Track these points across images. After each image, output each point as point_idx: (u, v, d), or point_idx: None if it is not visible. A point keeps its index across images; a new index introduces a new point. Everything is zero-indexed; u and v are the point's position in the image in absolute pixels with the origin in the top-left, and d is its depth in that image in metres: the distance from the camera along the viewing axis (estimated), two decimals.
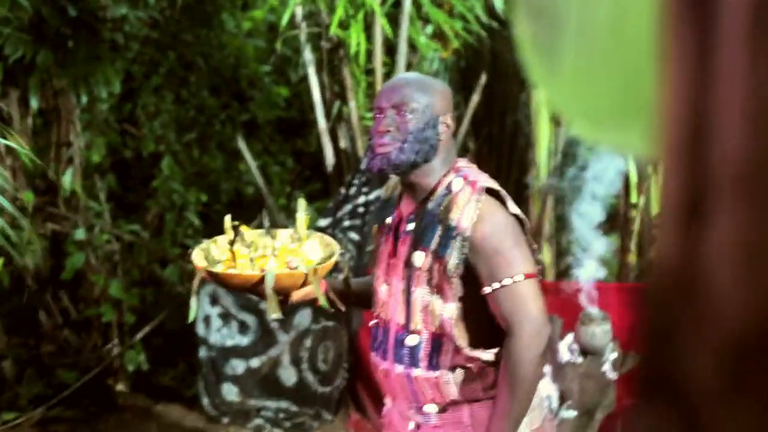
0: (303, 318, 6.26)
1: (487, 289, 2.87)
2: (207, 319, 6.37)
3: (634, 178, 5.84)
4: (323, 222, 6.23)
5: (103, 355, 7.05)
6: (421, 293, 2.95)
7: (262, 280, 2.93)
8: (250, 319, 6.30)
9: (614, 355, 5.12)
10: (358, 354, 6.17)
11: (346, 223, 6.24)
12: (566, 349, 5.22)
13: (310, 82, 6.77)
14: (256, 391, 6.41)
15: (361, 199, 6.15)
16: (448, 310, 2.93)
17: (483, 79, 6.89)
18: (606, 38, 0.90)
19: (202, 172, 8.21)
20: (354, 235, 6.24)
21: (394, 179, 3.37)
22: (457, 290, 2.92)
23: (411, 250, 2.99)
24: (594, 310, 5.11)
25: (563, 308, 5.21)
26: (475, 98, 6.82)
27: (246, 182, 8.32)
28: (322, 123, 6.76)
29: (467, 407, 3.01)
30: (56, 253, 7.15)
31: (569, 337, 5.22)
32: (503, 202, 2.94)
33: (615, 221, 6.07)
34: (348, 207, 6.23)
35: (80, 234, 6.85)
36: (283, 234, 3.21)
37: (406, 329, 2.99)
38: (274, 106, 8.93)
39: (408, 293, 2.98)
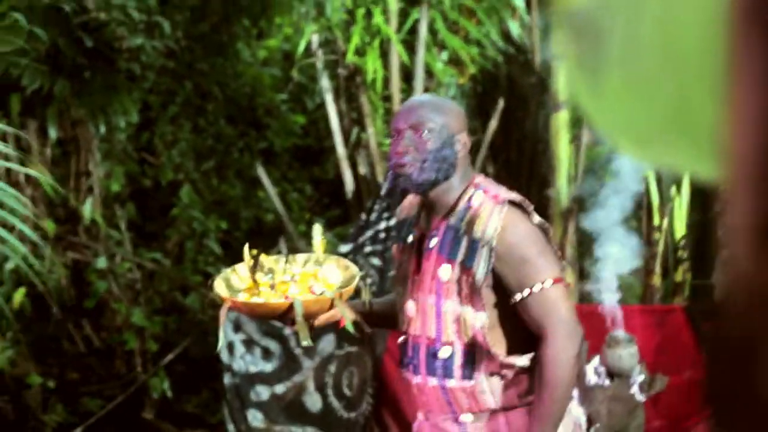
0: (327, 344, 6.24)
1: (517, 297, 2.97)
2: (230, 346, 6.34)
3: (656, 201, 5.81)
4: (344, 248, 6.23)
5: (127, 382, 7.05)
6: (451, 305, 3.04)
7: (288, 307, 2.97)
8: (273, 346, 6.28)
9: (641, 377, 5.10)
10: (383, 379, 6.16)
11: (368, 248, 6.24)
12: (593, 372, 5.19)
13: (328, 109, 6.79)
14: (281, 417, 6.39)
15: (382, 225, 6.15)
16: (480, 319, 3.02)
17: (500, 104, 6.88)
18: (653, 55, 0.89)
19: (222, 200, 8.24)
20: (376, 261, 6.23)
21: (406, 201, 3.38)
22: (487, 299, 3.02)
23: (437, 264, 3.07)
24: (620, 333, 5.09)
25: (589, 331, 5.15)
26: (493, 123, 6.82)
27: (265, 209, 8.34)
28: (340, 150, 6.77)
29: (503, 415, 3.10)
30: (78, 281, 7.18)
31: (596, 360, 5.21)
32: (526, 213, 3.03)
33: (638, 243, 6.05)
34: (369, 233, 6.23)
35: (101, 263, 6.87)
36: (300, 259, 3.26)
37: (439, 342, 3.08)
38: (291, 134, 8.97)
39: (438, 306, 3.06)
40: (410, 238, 3.20)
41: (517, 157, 7.34)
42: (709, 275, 6.54)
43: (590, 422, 5.24)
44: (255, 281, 3.10)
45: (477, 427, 3.10)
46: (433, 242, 3.08)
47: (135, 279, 7.22)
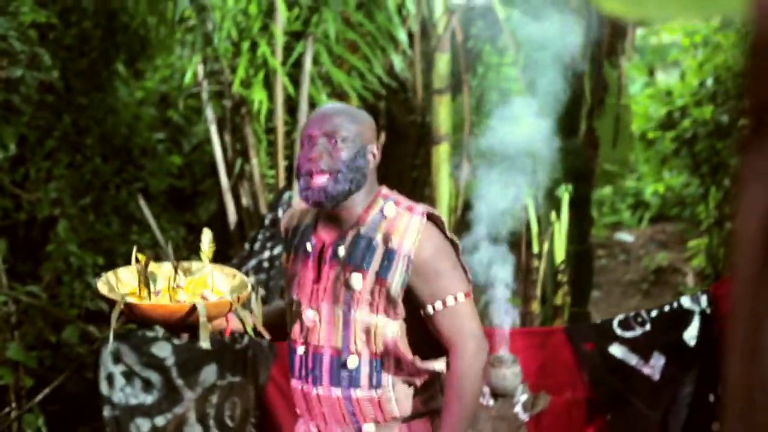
0: (208, 374, 6.19)
1: (429, 310, 3.05)
2: (110, 378, 6.23)
3: (535, 228, 5.97)
4: None
5: (0, 419, 6.87)
6: (361, 315, 3.05)
7: (186, 311, 2.91)
8: (154, 377, 6.20)
9: (525, 397, 5.21)
10: (266, 409, 6.14)
11: (251, 278, 6.24)
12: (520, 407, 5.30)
13: (212, 140, 6.80)
14: None
15: (266, 254, 6.16)
16: (392, 328, 3.06)
17: (381, 137, 7.00)
18: None
19: (98, 237, 8.15)
20: (260, 291, 6.24)
21: (290, 210, 3.40)
22: (400, 310, 3.04)
23: (345, 274, 3.06)
24: (504, 353, 5.20)
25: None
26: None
27: (143, 246, 8.27)
28: (224, 181, 6.78)
29: (405, 425, 3.14)
30: None
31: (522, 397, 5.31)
32: (440, 226, 3.09)
33: (517, 270, 6.18)
34: (252, 262, 6.25)
35: None
36: (185, 266, 3.19)
37: (345, 351, 3.07)
38: (167, 175, 8.94)
39: (346, 316, 3.06)
40: (309, 247, 3.17)
41: (397, 189, 7.43)
42: (585, 302, 6.74)
43: None
44: (143, 286, 3.00)
45: None
46: (341, 251, 3.08)
47: (10, 313, 7.07)
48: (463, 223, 6.54)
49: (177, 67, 9.30)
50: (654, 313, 5.29)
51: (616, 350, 5.30)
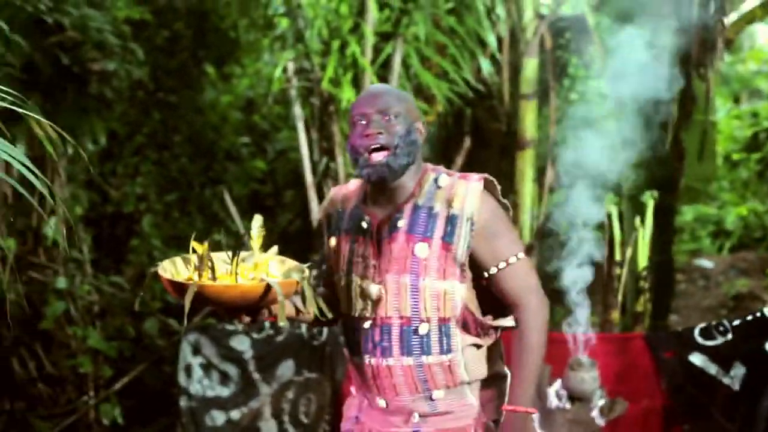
0: (286, 370, 6.23)
1: (493, 270, 3.13)
2: (188, 369, 6.30)
3: (618, 236, 5.94)
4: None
5: (78, 407, 6.96)
6: (430, 282, 3.11)
7: (261, 291, 2.85)
8: (232, 370, 6.25)
9: (602, 402, 5.18)
10: (341, 406, 6.15)
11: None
12: (554, 395, 5.27)
13: (299, 137, 6.85)
14: None
15: None
16: (460, 292, 3.14)
17: (467, 143, 7.02)
18: None
19: (181, 235, 8.25)
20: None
21: (333, 194, 3.42)
22: (467, 273, 3.14)
23: (409, 243, 3.12)
24: (583, 357, 5.19)
25: (552, 356, 5.27)
26: (459, 161, 6.94)
27: (225, 246, 8.34)
28: (309, 178, 6.82)
29: (470, 388, 3.21)
30: (31, 305, 7.10)
31: (557, 384, 5.28)
32: (495, 190, 3.18)
33: (598, 278, 6.15)
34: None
35: (62, 283, 6.81)
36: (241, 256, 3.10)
37: (416, 319, 3.12)
38: (250, 180, 9.03)
39: (415, 284, 3.11)
40: (364, 225, 3.19)
41: None
42: (666, 313, 6.68)
43: None
44: (207, 270, 2.95)
45: (447, 402, 3.19)
46: (401, 224, 3.13)
47: (93, 302, 7.17)
48: (545, 229, 6.54)
49: (264, 73, 9.40)
50: (736, 323, 5.24)
51: (696, 359, 5.25)
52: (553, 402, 5.27)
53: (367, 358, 3.18)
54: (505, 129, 7.25)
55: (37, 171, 3.38)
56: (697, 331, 5.28)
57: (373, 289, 3.14)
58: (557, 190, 6.69)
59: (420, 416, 3.20)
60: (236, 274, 2.97)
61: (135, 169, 8.05)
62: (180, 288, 2.86)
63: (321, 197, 6.97)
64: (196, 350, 6.28)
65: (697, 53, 6.70)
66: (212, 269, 2.92)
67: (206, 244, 2.95)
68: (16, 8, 6.21)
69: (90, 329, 6.99)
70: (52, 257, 7.09)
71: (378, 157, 3.06)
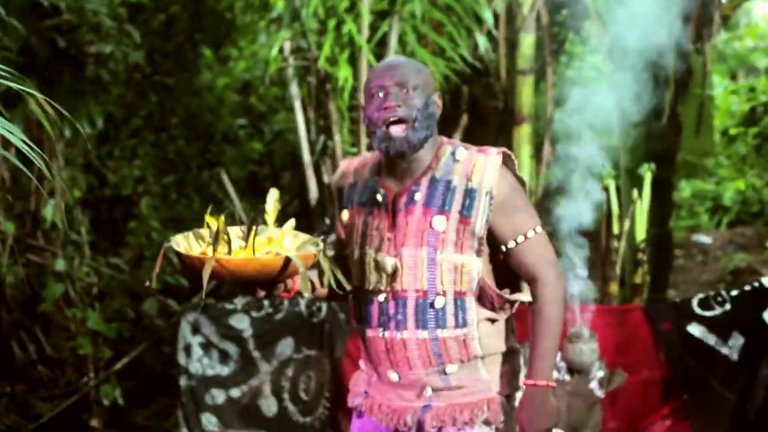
0: (285, 347, 6.23)
1: (511, 244, 3.14)
2: (188, 348, 6.30)
3: (615, 209, 5.95)
4: None
5: (78, 389, 6.97)
6: (447, 255, 3.10)
7: (279, 265, 2.84)
8: (231, 349, 6.25)
9: (601, 374, 5.18)
10: (341, 383, 6.16)
11: (330, 252, 6.27)
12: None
13: (296, 117, 6.85)
14: (236, 421, 6.33)
15: None
16: (477, 266, 3.13)
17: (464, 119, 7.02)
18: None
19: (179, 217, 8.26)
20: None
21: (344, 166, 3.40)
22: (484, 247, 3.13)
23: (427, 217, 3.11)
24: (582, 329, 5.19)
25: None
26: (456, 138, 6.92)
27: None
28: (306, 157, 6.82)
29: (482, 363, 3.20)
30: (30, 287, 7.11)
31: (556, 356, 5.29)
32: (512, 164, 3.17)
33: (597, 251, 6.16)
34: (332, 237, 6.28)
35: (60, 265, 6.82)
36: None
37: (432, 292, 3.12)
38: (248, 161, 9.04)
39: (432, 257, 3.10)
40: (379, 198, 3.18)
41: None
42: (665, 286, 6.69)
43: None
44: (224, 244, 2.90)
45: (460, 377, 3.19)
46: (418, 196, 3.12)
47: (92, 283, 7.18)
48: (543, 204, 6.54)
49: (261, 56, 9.39)
50: (735, 293, 5.24)
51: (695, 329, 5.26)
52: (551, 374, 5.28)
53: (380, 332, 3.18)
54: (502, 106, 7.24)
55: (36, 148, 3.40)
56: (695, 302, 5.28)
57: (389, 262, 3.13)
58: (554, 165, 6.69)
59: (433, 390, 3.20)
60: (253, 247, 2.93)
61: (132, 152, 8.06)
62: (194, 263, 2.83)
63: (319, 177, 6.97)
64: (196, 329, 6.28)
65: (695, 28, 6.70)
66: (228, 243, 2.89)
67: (222, 217, 2.92)
68: None
69: (89, 311, 7.00)
70: (50, 240, 7.10)
71: (397, 130, 3.04)
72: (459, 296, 3.12)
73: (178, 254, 2.87)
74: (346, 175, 3.36)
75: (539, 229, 3.17)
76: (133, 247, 7.82)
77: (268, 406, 6.32)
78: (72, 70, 6.76)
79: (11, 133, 3.35)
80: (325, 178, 6.92)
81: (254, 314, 6.17)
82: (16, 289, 6.85)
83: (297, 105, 6.85)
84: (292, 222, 3.08)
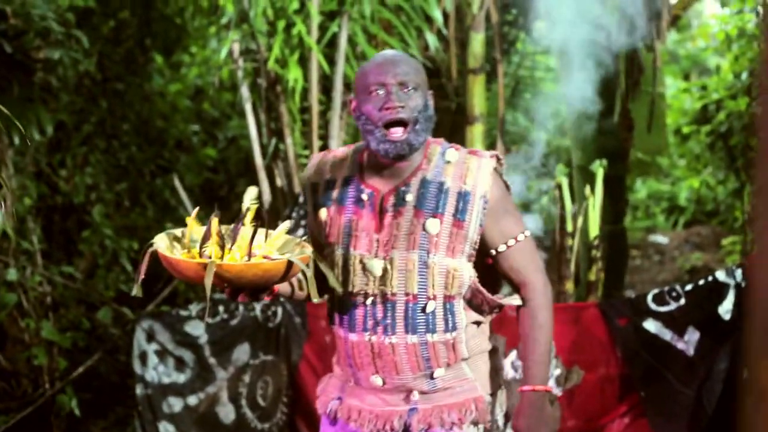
0: (241, 353, 6.19)
1: (501, 248, 3.13)
2: (143, 356, 6.24)
3: (568, 207, 5.94)
4: None
5: (34, 400, 6.89)
6: (439, 259, 3.05)
7: (283, 269, 2.75)
8: (187, 356, 6.20)
9: (558, 372, 5.19)
10: (298, 387, 6.13)
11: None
12: (510, 367, 5.27)
13: (247, 120, 6.81)
14: (193, 429, 6.28)
15: (300, 232, 6.15)
16: (468, 270, 3.10)
17: None
18: None
19: (133, 225, 8.20)
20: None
21: (316, 161, 3.31)
22: (474, 250, 3.09)
23: (419, 219, 3.05)
24: None
25: (506, 327, 5.28)
26: None
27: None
28: (258, 161, 6.78)
29: (466, 363, 3.17)
30: None
31: (513, 354, 5.29)
32: (500, 170, 3.17)
33: (551, 249, 6.16)
34: (299, 236, 6.25)
35: (12, 275, 6.74)
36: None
37: (423, 297, 3.06)
38: (202, 168, 8.99)
39: (423, 261, 3.05)
40: (364, 197, 3.11)
41: None
42: (621, 284, 6.69)
43: (507, 417, 5.29)
44: (217, 247, 2.77)
45: (446, 379, 3.15)
46: (409, 197, 3.06)
47: (45, 293, 7.11)
48: None
49: (213, 61, 9.35)
50: (689, 288, 5.25)
51: (651, 325, 5.26)
52: (509, 373, 5.27)
53: (367, 336, 3.11)
54: (455, 106, 7.24)
55: None
56: (650, 298, 5.28)
57: (378, 264, 3.07)
58: (507, 164, 6.69)
59: (420, 394, 3.16)
60: (250, 252, 2.81)
61: (84, 159, 7.98)
62: (188, 270, 2.71)
63: (271, 179, 6.93)
64: (150, 337, 6.23)
65: (645, 26, 6.72)
66: (222, 247, 2.78)
67: (215, 219, 2.80)
68: None
69: (44, 321, 6.93)
70: (1, 249, 7.02)
71: (398, 133, 2.97)
72: (448, 300, 3.08)
73: (166, 258, 2.74)
74: (321, 171, 3.26)
75: (527, 233, 3.16)
76: (87, 256, 7.75)
77: (226, 413, 6.28)
78: (20, 76, 6.67)
79: None
80: (278, 182, 6.88)
81: (210, 320, 6.12)
82: None
83: (248, 108, 6.80)
84: (286, 224, 2.98)
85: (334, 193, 3.19)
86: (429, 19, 6.76)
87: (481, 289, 3.11)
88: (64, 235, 8.14)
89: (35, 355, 6.89)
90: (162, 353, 6.21)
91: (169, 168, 8.57)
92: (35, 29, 6.62)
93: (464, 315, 3.12)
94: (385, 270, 3.06)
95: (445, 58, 7.25)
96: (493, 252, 3.12)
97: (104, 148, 8.11)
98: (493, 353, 3.27)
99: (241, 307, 6.13)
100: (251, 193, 2.95)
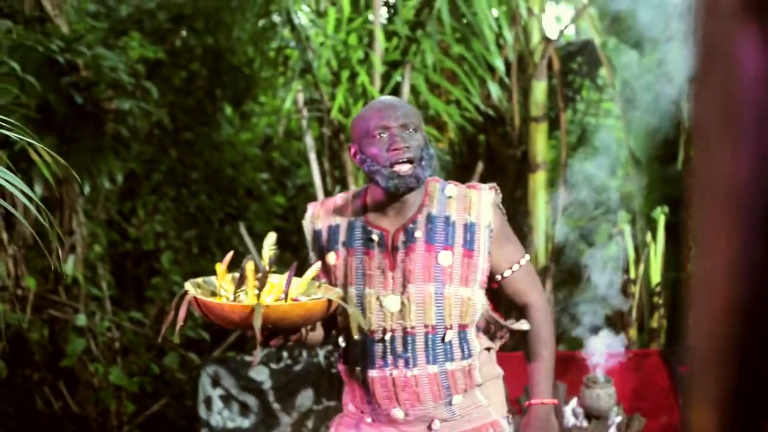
0: (305, 399, 6.25)
1: (507, 273, 3.27)
2: (208, 401, 6.32)
3: (632, 254, 5.93)
4: None
5: None
6: (454, 289, 3.17)
7: (324, 308, 2.82)
8: (251, 401, 6.27)
9: (619, 419, 5.15)
10: None
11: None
12: (571, 414, 5.25)
13: (311, 167, 6.89)
14: None
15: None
16: (481, 298, 3.24)
17: (480, 167, 7.04)
18: None
19: (201, 272, 8.29)
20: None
21: (316, 209, 3.36)
22: (486, 278, 3.23)
23: (430, 252, 3.17)
24: (598, 374, 5.17)
25: (566, 374, 5.27)
26: None
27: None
28: None
29: (479, 389, 3.30)
30: (54, 343, 7.14)
31: (574, 402, 5.26)
32: (497, 199, 3.29)
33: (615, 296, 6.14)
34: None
35: (81, 320, 6.86)
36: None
37: (441, 327, 3.18)
38: (272, 215, 9.07)
39: (439, 293, 3.16)
40: (375, 237, 3.19)
41: None
42: (684, 321, 6.62)
43: None
44: (254, 289, 2.83)
45: (463, 406, 3.24)
46: (418, 234, 3.16)
47: (114, 339, 7.22)
48: (561, 250, 6.54)
49: (282, 111, 9.46)
50: None
51: None
52: (569, 420, 5.25)
53: (388, 371, 3.19)
54: (520, 154, 7.26)
55: (43, 207, 3.43)
56: None
57: (394, 300, 3.16)
58: (571, 212, 6.70)
59: (440, 422, 3.25)
60: (287, 294, 2.87)
61: (154, 207, 8.12)
62: (232, 313, 2.74)
63: None
64: (215, 382, 6.31)
65: None
66: (260, 288, 2.82)
67: (251, 263, 2.86)
68: (28, 49, 6.29)
69: (113, 366, 7.03)
70: (72, 295, 7.14)
71: (405, 168, 3.07)
72: (462, 329, 3.20)
73: (206, 304, 2.79)
74: (325, 216, 3.34)
75: (528, 257, 3.32)
76: (156, 302, 7.86)
77: None
78: (91, 126, 6.81)
79: (15, 187, 3.40)
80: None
81: (273, 366, 6.19)
82: (39, 345, 6.89)
83: (312, 156, 6.89)
84: (317, 266, 3.03)
85: (341, 237, 3.28)
86: (491, 68, 6.80)
87: (495, 315, 3.28)
88: (134, 281, 8.27)
89: (103, 399, 6.99)
90: (227, 398, 6.28)
91: (238, 216, 8.67)
92: (106, 81, 6.76)
93: (477, 341, 3.25)
94: (402, 305, 3.16)
95: (509, 107, 7.28)
96: (499, 277, 3.27)
97: (174, 197, 8.24)
98: (502, 378, 3.42)
99: (304, 353, 6.19)
100: (270, 239, 3.03)
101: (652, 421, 5.30)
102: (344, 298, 2.98)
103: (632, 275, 5.92)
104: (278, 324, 2.76)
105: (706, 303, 0.81)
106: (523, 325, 3.30)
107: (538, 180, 6.49)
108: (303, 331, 3.01)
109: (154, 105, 7.56)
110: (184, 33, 8.17)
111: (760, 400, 0.78)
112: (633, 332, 5.94)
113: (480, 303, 3.22)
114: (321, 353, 6.20)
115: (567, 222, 6.63)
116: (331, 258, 3.28)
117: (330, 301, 2.82)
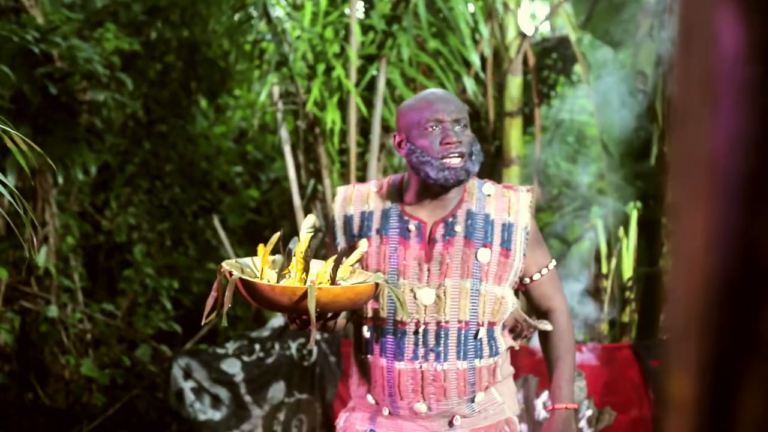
0: (277, 391, 6.23)
1: (536, 276, 3.33)
2: (180, 393, 6.29)
3: (604, 249, 5.96)
4: None
5: None
6: (489, 287, 3.22)
7: (371, 292, 2.85)
8: (223, 393, 6.25)
9: (590, 412, 5.18)
10: (332, 426, 6.14)
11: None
12: (542, 407, 5.27)
13: (285, 160, 6.88)
14: None
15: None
16: (512, 297, 3.30)
17: None
18: None
19: (174, 264, 8.29)
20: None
21: (349, 193, 3.37)
22: (518, 278, 3.31)
23: (470, 248, 3.21)
24: None
25: (537, 367, 5.29)
26: None
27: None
28: (297, 201, 6.84)
29: (494, 387, 3.33)
30: (25, 336, 7.12)
31: (545, 395, 5.29)
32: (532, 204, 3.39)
33: (586, 291, 6.17)
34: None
35: (53, 311, 6.84)
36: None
37: (474, 323, 3.22)
38: (245, 209, 9.06)
39: (476, 289, 3.21)
40: (412, 227, 3.22)
41: None
42: (656, 323, 6.67)
43: None
44: (300, 271, 2.84)
45: (481, 404, 3.28)
46: (458, 228, 3.20)
47: (86, 330, 7.20)
48: None
49: (257, 105, 9.45)
50: None
51: None
52: (540, 414, 5.28)
53: (417, 364, 3.21)
54: (494, 149, 7.28)
55: (18, 195, 3.42)
56: None
57: (429, 293, 3.19)
58: (544, 207, 6.73)
59: (461, 418, 3.28)
60: (333, 278, 2.87)
61: (127, 200, 8.10)
62: (275, 294, 2.74)
63: None
64: (187, 374, 6.28)
65: None
66: (306, 270, 2.84)
67: (299, 243, 2.87)
68: (3, 39, 6.27)
69: (84, 358, 7.01)
70: (44, 287, 7.12)
71: (457, 160, 3.09)
72: (491, 326, 3.25)
73: (255, 285, 2.76)
74: (350, 202, 3.34)
75: (554, 262, 3.38)
76: (128, 294, 7.84)
77: None
78: (65, 117, 6.79)
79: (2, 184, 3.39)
80: (316, 222, 6.91)
81: (246, 359, 6.17)
82: (10, 335, 6.87)
83: (287, 150, 6.88)
84: (363, 249, 3.02)
85: (374, 224, 3.29)
86: (467, 63, 6.82)
87: (524, 315, 3.30)
88: (106, 273, 8.25)
89: (74, 391, 6.97)
90: (198, 391, 6.26)
91: (211, 209, 8.66)
92: (80, 72, 6.75)
93: (503, 340, 3.28)
94: (438, 298, 3.19)
95: (483, 102, 7.31)
96: (527, 280, 3.32)
97: (147, 189, 8.22)
98: (513, 377, 3.47)
99: (277, 346, 6.18)
100: (309, 221, 3.02)
101: (622, 414, 5.33)
102: (387, 283, 2.99)
103: (604, 270, 5.95)
104: (327, 307, 2.78)
105: (684, 273, 0.83)
106: (547, 325, 3.33)
107: (512, 175, 6.51)
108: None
109: (128, 97, 7.55)
110: (159, 25, 8.14)
111: (737, 367, 0.79)
112: (604, 326, 5.97)
113: (510, 302, 3.26)
114: (293, 346, 6.19)
115: (540, 217, 6.66)
116: (363, 244, 3.19)
117: (377, 285, 2.85)
